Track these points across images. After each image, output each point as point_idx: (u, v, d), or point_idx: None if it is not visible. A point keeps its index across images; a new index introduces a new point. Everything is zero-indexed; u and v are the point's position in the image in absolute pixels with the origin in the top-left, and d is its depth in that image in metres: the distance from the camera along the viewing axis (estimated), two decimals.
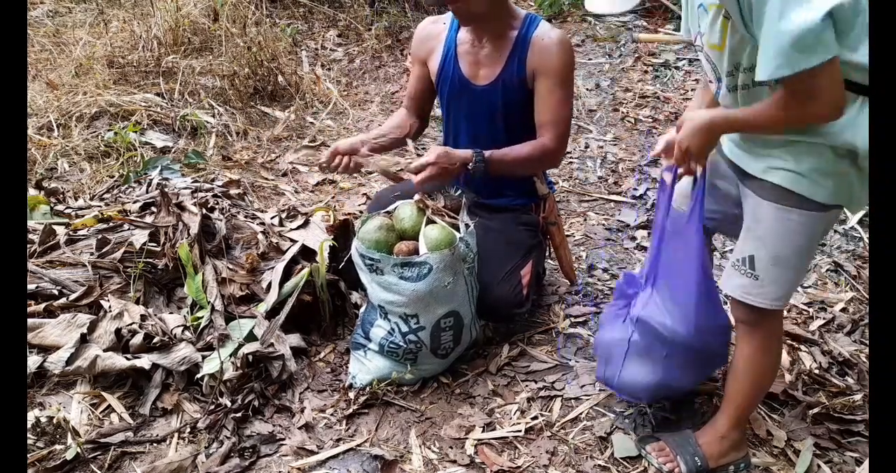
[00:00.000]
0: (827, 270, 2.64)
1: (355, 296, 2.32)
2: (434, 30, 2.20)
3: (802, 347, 2.20)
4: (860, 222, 2.90)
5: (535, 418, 1.95)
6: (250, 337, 2.03)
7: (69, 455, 1.70)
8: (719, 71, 1.48)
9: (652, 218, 3.00)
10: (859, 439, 1.85)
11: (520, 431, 1.90)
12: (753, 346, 1.64)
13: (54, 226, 2.32)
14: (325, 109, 4.13)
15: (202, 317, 2.05)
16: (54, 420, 1.74)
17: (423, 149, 2.70)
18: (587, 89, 4.36)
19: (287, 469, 1.77)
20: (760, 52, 1.30)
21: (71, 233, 2.31)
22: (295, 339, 2.14)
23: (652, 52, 4.87)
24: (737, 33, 1.38)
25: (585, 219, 3.04)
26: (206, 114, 3.74)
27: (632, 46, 4.99)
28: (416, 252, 1.92)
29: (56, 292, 2.09)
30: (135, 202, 2.56)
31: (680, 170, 1.61)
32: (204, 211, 2.36)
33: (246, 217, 2.52)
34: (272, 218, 2.54)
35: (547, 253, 2.45)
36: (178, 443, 1.82)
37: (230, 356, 1.95)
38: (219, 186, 2.79)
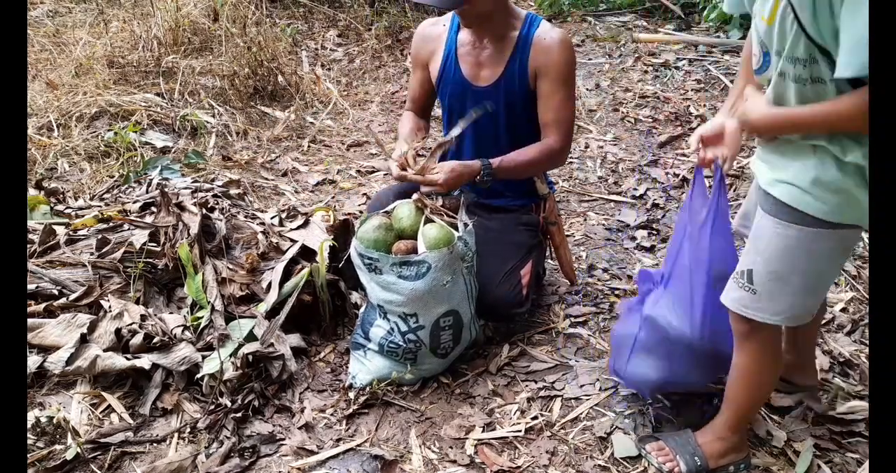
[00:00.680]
0: None
1: (355, 296, 2.32)
2: (434, 32, 2.20)
3: None
4: None
5: (535, 418, 1.95)
6: (250, 337, 2.03)
7: (69, 455, 1.70)
8: (767, 45, 1.40)
9: (651, 217, 3.00)
10: (860, 439, 1.85)
11: (520, 431, 1.90)
12: (748, 357, 1.63)
13: (54, 226, 2.32)
14: (325, 109, 4.13)
15: (202, 317, 2.05)
16: (54, 420, 1.74)
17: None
18: (587, 89, 4.36)
19: (287, 469, 1.77)
20: (844, 46, 1.19)
21: (71, 233, 2.31)
22: (295, 339, 2.14)
23: (652, 52, 4.87)
24: (789, 16, 1.29)
25: (585, 219, 3.04)
26: (206, 114, 3.74)
27: (632, 46, 4.99)
28: (414, 251, 1.92)
29: (56, 292, 2.09)
30: (135, 202, 2.56)
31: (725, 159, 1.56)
32: (204, 211, 2.36)
33: (246, 217, 2.52)
34: (272, 218, 2.54)
35: (547, 253, 2.46)
36: (178, 443, 1.82)
37: (230, 356, 1.95)
38: (219, 186, 2.80)
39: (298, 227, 2.43)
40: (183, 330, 2.03)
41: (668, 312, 1.74)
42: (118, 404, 1.88)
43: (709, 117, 3.87)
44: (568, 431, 1.91)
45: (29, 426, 1.72)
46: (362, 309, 2.12)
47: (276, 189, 3.27)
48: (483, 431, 1.91)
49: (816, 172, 1.37)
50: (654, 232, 2.91)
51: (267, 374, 2.00)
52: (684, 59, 4.71)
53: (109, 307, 2.03)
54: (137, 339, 1.95)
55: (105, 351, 1.91)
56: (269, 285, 2.18)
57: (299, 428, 1.89)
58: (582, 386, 2.06)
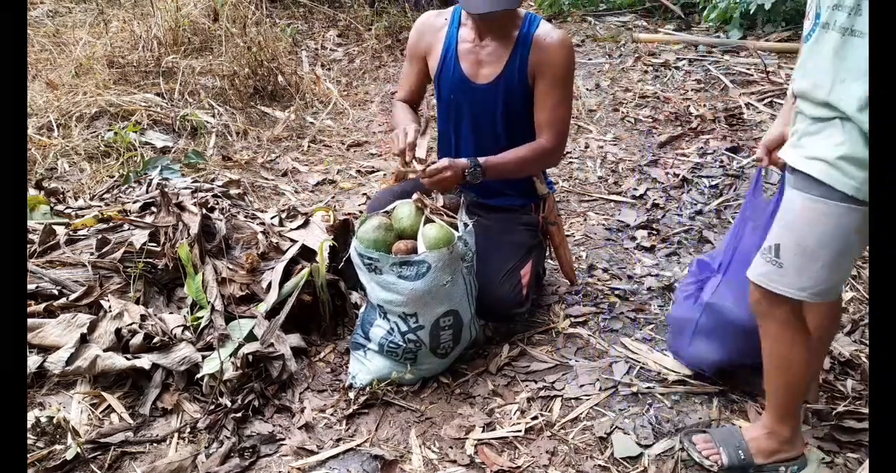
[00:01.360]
0: None
1: (355, 296, 2.32)
2: (436, 23, 2.18)
3: None
4: None
5: (535, 418, 1.95)
6: (250, 337, 2.03)
7: (69, 455, 1.70)
8: (821, 3, 1.40)
9: (651, 217, 3.00)
10: (861, 439, 1.85)
11: (520, 431, 1.90)
12: (772, 339, 1.63)
13: (54, 226, 2.32)
14: (325, 109, 4.13)
15: (202, 317, 2.05)
16: (54, 420, 1.74)
17: None
18: (587, 89, 4.36)
19: (287, 469, 1.77)
20: None
21: (71, 233, 2.31)
22: (295, 339, 2.14)
23: (652, 52, 4.87)
24: None
25: (585, 219, 3.04)
26: (206, 114, 3.74)
27: (632, 46, 4.99)
28: (414, 251, 1.92)
29: (56, 292, 2.09)
30: (135, 202, 2.56)
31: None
32: (204, 211, 2.36)
33: (246, 217, 2.52)
34: (272, 218, 2.54)
35: (547, 253, 2.46)
36: (178, 443, 1.82)
37: (230, 356, 1.95)
38: (219, 186, 2.80)
39: (298, 227, 2.43)
40: (183, 330, 2.03)
41: (728, 298, 1.89)
42: (118, 404, 1.88)
43: (709, 117, 3.89)
44: (568, 431, 1.91)
45: (29, 426, 1.72)
46: (362, 309, 2.12)
47: (276, 189, 3.27)
48: (483, 431, 1.91)
49: (844, 148, 1.37)
50: (654, 232, 2.91)
51: (267, 374, 2.00)
52: (684, 59, 4.72)
53: (109, 307, 2.03)
54: (137, 339, 1.95)
55: (105, 351, 1.91)
56: (269, 285, 2.18)
57: (299, 428, 1.89)
58: (582, 386, 2.06)
